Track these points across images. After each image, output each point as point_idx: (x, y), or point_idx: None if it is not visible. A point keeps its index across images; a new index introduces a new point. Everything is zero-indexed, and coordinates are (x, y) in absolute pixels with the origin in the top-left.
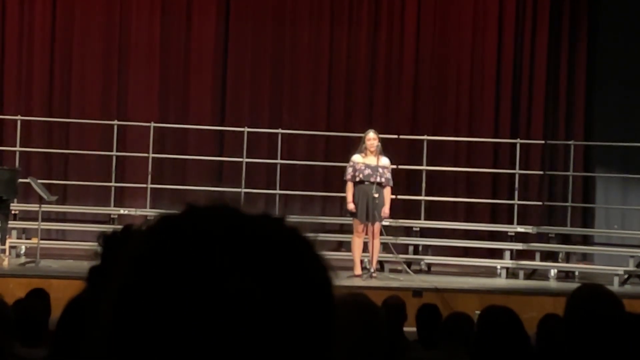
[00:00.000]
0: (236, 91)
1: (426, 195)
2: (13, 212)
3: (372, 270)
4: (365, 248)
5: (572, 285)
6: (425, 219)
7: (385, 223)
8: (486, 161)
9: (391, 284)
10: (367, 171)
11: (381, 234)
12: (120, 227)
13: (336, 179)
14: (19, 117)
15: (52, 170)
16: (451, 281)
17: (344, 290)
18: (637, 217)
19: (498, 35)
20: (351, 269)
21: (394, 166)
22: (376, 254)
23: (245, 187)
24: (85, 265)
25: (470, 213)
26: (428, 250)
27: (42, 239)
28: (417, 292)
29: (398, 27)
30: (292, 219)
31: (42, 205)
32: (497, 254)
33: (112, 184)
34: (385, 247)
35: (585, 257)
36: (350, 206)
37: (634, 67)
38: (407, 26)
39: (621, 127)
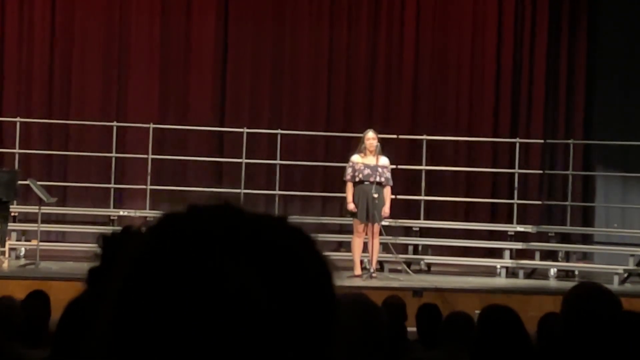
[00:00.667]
0: (236, 92)
1: (426, 195)
2: (13, 214)
3: (372, 270)
4: (365, 248)
5: (572, 285)
6: (425, 219)
7: (385, 223)
8: (486, 161)
9: (391, 284)
10: (367, 171)
11: (381, 234)
12: (119, 228)
13: (336, 180)
14: (18, 118)
15: (52, 172)
16: (451, 281)
17: (344, 291)
18: (637, 215)
19: (497, 35)
20: (351, 269)
21: (394, 166)
22: (376, 254)
23: (245, 188)
24: (85, 267)
25: (470, 212)
26: (428, 250)
27: (41, 241)
28: (417, 292)
29: (397, 27)
30: (292, 219)
31: (42, 207)
32: (497, 253)
33: (112, 185)
34: (385, 247)
35: (585, 256)
36: (351, 206)
37: (634, 66)
38: (407, 26)
39: (621, 126)
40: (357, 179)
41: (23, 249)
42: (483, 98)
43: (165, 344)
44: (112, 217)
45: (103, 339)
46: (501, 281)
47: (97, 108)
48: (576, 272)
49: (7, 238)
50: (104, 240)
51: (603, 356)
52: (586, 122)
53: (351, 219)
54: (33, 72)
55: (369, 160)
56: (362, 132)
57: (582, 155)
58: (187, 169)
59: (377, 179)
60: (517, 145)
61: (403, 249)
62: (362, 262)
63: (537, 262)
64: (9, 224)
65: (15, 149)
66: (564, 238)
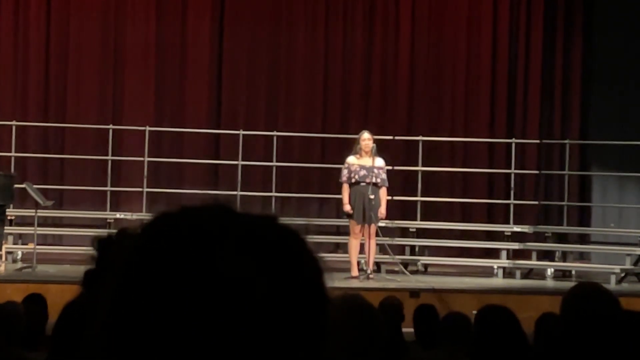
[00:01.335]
0: (231, 94)
1: (422, 195)
2: (9, 217)
3: (369, 271)
4: (361, 249)
5: (569, 284)
6: (421, 220)
7: (381, 224)
8: (482, 161)
9: (388, 285)
10: (363, 172)
11: (377, 235)
12: (115, 231)
13: (332, 181)
14: (14, 122)
15: (48, 175)
16: (448, 281)
17: (341, 292)
18: (633, 215)
19: (493, 35)
20: (348, 270)
21: (390, 167)
22: (372, 255)
23: (241, 190)
24: (82, 270)
25: (466, 213)
26: (425, 250)
27: (38, 244)
28: (414, 293)
29: (393, 28)
30: (288, 221)
31: (38, 211)
32: (493, 253)
33: (108, 188)
34: (381, 248)
35: (582, 256)
36: (347, 207)
37: (630, 66)
38: (402, 27)
39: (617, 126)
40: (353, 180)
41: (20, 253)
42: (479, 99)
43: (161, 344)
44: (108, 220)
45: (100, 341)
46: (498, 281)
47: (93, 111)
48: (573, 272)
49: (3, 241)
50: (100, 243)
51: (602, 356)
52: (582, 122)
53: (347, 220)
54: (29, 75)
55: (365, 161)
56: (357, 134)
57: (579, 155)
58: (184, 171)
59: (373, 180)
60: (514, 145)
61: (400, 249)
62: (358, 263)
63: (534, 262)
64: (6, 227)
65: (11, 152)
66: (561, 238)
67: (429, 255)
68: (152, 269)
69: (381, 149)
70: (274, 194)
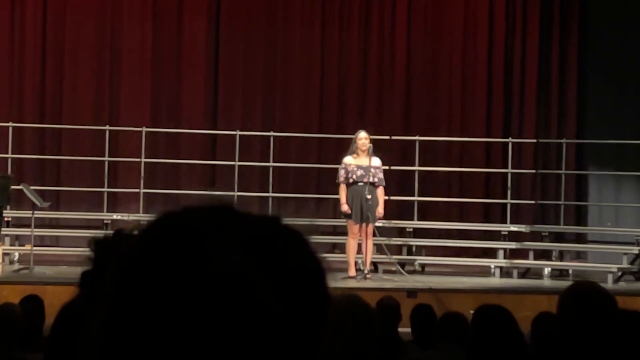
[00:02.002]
0: (228, 95)
1: (419, 195)
2: (6, 219)
3: (366, 271)
4: (358, 249)
5: (566, 284)
6: (418, 220)
7: (378, 224)
8: (479, 161)
9: (385, 284)
10: (360, 172)
11: (374, 235)
12: (112, 231)
13: (329, 181)
14: (10, 123)
15: (45, 176)
16: (445, 281)
17: (339, 292)
18: (630, 214)
19: (489, 35)
20: (345, 270)
21: (387, 167)
22: (370, 255)
23: (239, 191)
24: (79, 271)
25: (463, 213)
26: (422, 250)
27: (35, 246)
28: (412, 293)
29: (389, 28)
30: (290, 221)
31: (35, 212)
32: (490, 253)
33: (105, 189)
34: (379, 248)
35: (578, 255)
36: (344, 207)
37: (626, 65)
38: (398, 27)
39: (613, 125)
40: (350, 181)
41: (17, 254)
42: (475, 98)
43: (161, 346)
44: (105, 221)
45: (96, 343)
46: (495, 281)
47: (89, 112)
48: (570, 272)
49: (0, 243)
50: (96, 244)
51: (599, 355)
52: (578, 121)
53: (345, 220)
54: (25, 76)
55: (362, 161)
56: (354, 134)
57: (575, 155)
58: (180, 172)
59: (370, 180)
60: (510, 145)
61: (397, 249)
62: (356, 263)
63: (531, 262)
64: (3, 229)
65: (7, 153)
66: (558, 237)
67: (426, 255)
68: (152, 270)
69: (378, 149)
70: (270, 194)
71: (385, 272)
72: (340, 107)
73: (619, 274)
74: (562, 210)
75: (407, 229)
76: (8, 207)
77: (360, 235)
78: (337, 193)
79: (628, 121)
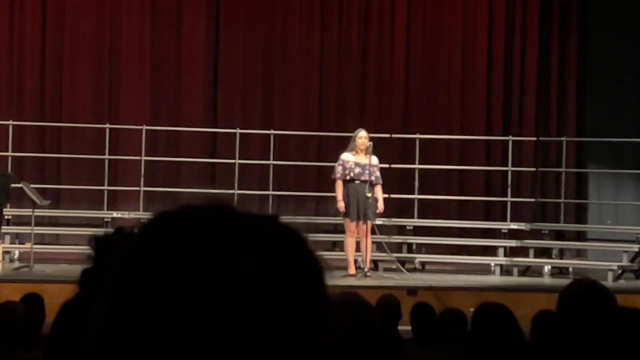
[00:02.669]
0: (228, 93)
1: (419, 193)
2: (6, 217)
3: (366, 269)
4: (358, 247)
5: (566, 282)
6: (418, 218)
7: (378, 222)
8: (479, 159)
9: (385, 282)
10: (358, 170)
11: (374, 233)
12: (112, 230)
13: (329, 179)
14: (10, 122)
15: (45, 174)
16: (445, 279)
17: (338, 290)
18: (630, 212)
19: (488, 33)
20: (345, 268)
21: (387, 165)
22: (369, 253)
23: (238, 189)
24: (79, 269)
25: (463, 211)
26: (422, 248)
27: (35, 244)
28: (412, 291)
29: (388, 26)
30: (288, 220)
31: (35, 210)
32: (490, 251)
33: (105, 187)
34: (378, 246)
35: (579, 253)
36: (340, 204)
37: (625, 63)
38: (398, 25)
39: (613, 123)
40: (347, 178)
41: (17, 252)
42: (475, 96)
43: (160, 345)
44: (105, 219)
45: (96, 341)
46: (495, 279)
47: (89, 110)
48: (570, 269)
49: (0, 241)
50: (96, 242)
51: (599, 353)
52: (578, 119)
53: (342, 218)
54: (25, 74)
55: (360, 158)
56: (354, 132)
57: (575, 153)
58: (180, 170)
59: (368, 178)
60: (510, 143)
61: (397, 247)
62: (356, 261)
63: (531, 260)
64: (3, 227)
65: (8, 152)
66: (558, 235)
67: (426, 253)
68: (151, 269)
69: (378, 147)
70: (270, 192)
71: (386, 270)
72: (340, 106)
73: (619, 271)
74: (562, 208)
75: (407, 227)
76: (8, 205)
77: (357, 233)
78: (334, 190)
79: (628, 119)
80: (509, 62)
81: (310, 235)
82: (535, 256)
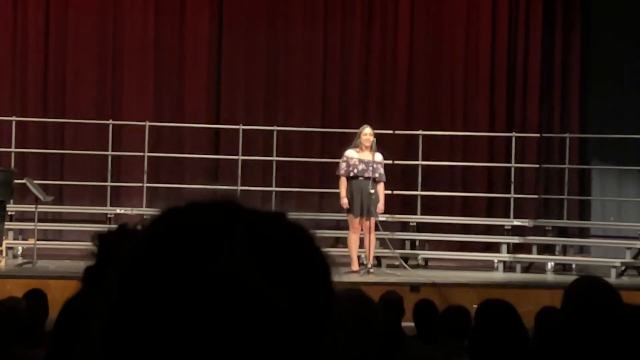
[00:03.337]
0: (231, 89)
1: (422, 190)
2: (9, 213)
3: (369, 265)
4: (361, 244)
5: (569, 278)
6: (421, 214)
7: (381, 218)
8: (482, 155)
9: (388, 279)
10: (362, 166)
11: (377, 229)
12: (115, 226)
13: (332, 176)
14: (13, 117)
15: (48, 170)
16: (448, 275)
17: (341, 286)
18: (633, 208)
19: (492, 29)
20: (348, 265)
21: (390, 162)
22: (372, 249)
23: (242, 185)
24: (82, 266)
25: (466, 207)
26: (425, 245)
27: (38, 240)
28: (415, 287)
29: (391, 22)
30: (295, 216)
31: (39, 206)
32: (494, 247)
33: (108, 183)
34: (382, 243)
35: (582, 250)
36: (344, 201)
37: (628, 60)
38: (401, 21)
39: (616, 120)
40: (351, 174)
41: (20, 248)
42: (478, 92)
43: (165, 342)
44: (109, 215)
45: (99, 338)
46: (498, 275)
47: (92, 106)
48: (573, 266)
49: (4, 237)
50: (100, 239)
51: (603, 350)
52: (582, 115)
53: (346, 214)
54: (28, 71)
55: (365, 155)
56: (357, 128)
57: (578, 149)
58: (184, 167)
59: (372, 175)
60: (513, 139)
61: (400, 244)
62: (359, 257)
63: (534, 256)
64: (6, 223)
65: (11, 148)
66: (561, 232)
67: (429, 250)
68: (156, 267)
69: (381, 143)
70: (274, 188)
71: (389, 266)
72: (343, 102)
73: (622, 268)
74: (566, 205)
75: (411, 224)
76: (11, 201)
77: (361, 229)
78: (338, 186)
79: (631, 116)
80: (512, 59)
81: (314, 231)
82: (539, 253)
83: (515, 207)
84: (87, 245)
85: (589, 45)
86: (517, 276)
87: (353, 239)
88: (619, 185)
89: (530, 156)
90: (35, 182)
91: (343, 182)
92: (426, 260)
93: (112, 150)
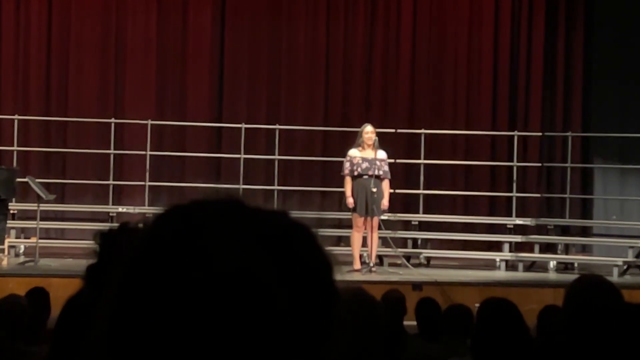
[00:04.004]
0: (233, 87)
1: (424, 188)
2: (12, 211)
3: (371, 264)
4: (364, 242)
5: (572, 277)
6: (424, 213)
7: (384, 217)
8: (484, 154)
9: (391, 278)
10: (365, 165)
11: (380, 228)
12: (117, 225)
13: (334, 174)
14: (16, 116)
15: (50, 169)
16: (451, 274)
17: (343, 285)
18: (635, 207)
19: (494, 28)
20: (350, 263)
21: (392, 160)
22: (375, 248)
23: (244, 184)
24: (84, 264)
25: (468, 206)
26: (427, 243)
27: (41, 238)
28: (417, 286)
29: (394, 20)
30: (299, 215)
31: (41, 205)
32: (496, 246)
33: (110, 182)
34: (384, 241)
35: (584, 249)
36: (349, 201)
37: (631, 58)
38: (404, 20)
39: (619, 118)
40: (355, 173)
41: (22, 247)
42: (481, 91)
43: (168, 340)
44: (111, 214)
45: (102, 337)
46: (501, 274)
47: (94, 105)
48: (575, 265)
49: (6, 236)
50: (102, 237)
51: (605, 348)
52: (584, 114)
53: (350, 213)
54: (30, 69)
55: (367, 154)
56: (359, 127)
57: (581, 148)
58: (186, 165)
59: (376, 173)
60: (516, 138)
61: (402, 242)
62: (361, 256)
63: (536, 255)
64: (8, 221)
65: (13, 146)
66: (563, 230)
67: (432, 248)
68: (159, 266)
69: (383, 142)
70: (276, 187)
71: (391, 265)
72: (346, 100)
73: (625, 267)
74: (568, 204)
75: (413, 222)
76: (14, 199)
77: (365, 228)
78: (342, 186)
79: (633, 114)
80: (514, 57)
81: (319, 230)
82: (541, 251)
83: (517, 205)
84: (89, 243)
85: (592, 44)
86: (520, 275)
87: (356, 237)
88: (621, 184)
89: (532, 155)
90: (37, 180)
91: (348, 181)
92: (428, 258)
93: (115, 149)
